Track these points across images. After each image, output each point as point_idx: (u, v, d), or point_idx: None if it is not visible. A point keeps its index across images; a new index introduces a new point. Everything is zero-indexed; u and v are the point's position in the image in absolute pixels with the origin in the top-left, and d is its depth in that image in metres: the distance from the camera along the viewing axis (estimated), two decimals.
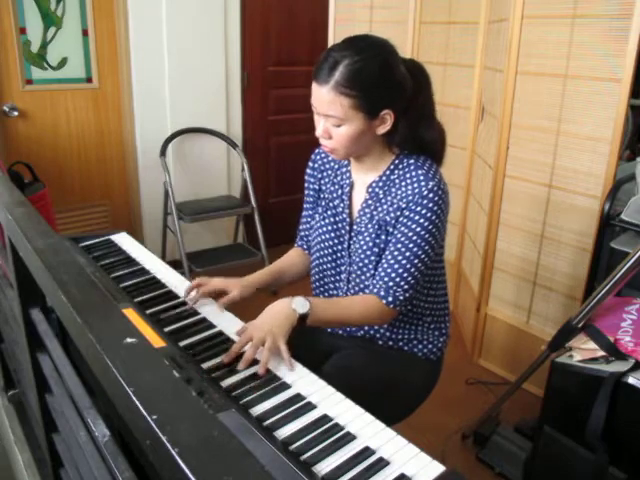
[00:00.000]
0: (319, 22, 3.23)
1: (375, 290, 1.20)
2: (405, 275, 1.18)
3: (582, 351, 1.49)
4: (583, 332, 1.53)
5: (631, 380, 1.36)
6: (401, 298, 1.19)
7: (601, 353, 1.44)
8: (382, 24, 2.73)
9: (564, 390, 1.50)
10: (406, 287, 1.18)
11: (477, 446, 1.93)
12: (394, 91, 1.13)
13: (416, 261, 1.18)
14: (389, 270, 1.19)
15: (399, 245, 1.18)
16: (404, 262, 1.18)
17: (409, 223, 1.17)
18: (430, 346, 1.34)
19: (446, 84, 2.68)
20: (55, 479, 1.11)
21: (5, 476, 1.52)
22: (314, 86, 1.13)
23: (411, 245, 1.17)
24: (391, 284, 1.18)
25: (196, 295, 1.23)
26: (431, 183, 1.16)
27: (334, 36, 2.78)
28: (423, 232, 1.17)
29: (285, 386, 0.95)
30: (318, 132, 1.16)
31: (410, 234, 1.17)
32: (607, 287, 1.50)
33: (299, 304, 1.09)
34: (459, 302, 2.84)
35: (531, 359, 1.80)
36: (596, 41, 1.83)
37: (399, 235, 1.18)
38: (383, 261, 1.21)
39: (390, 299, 1.18)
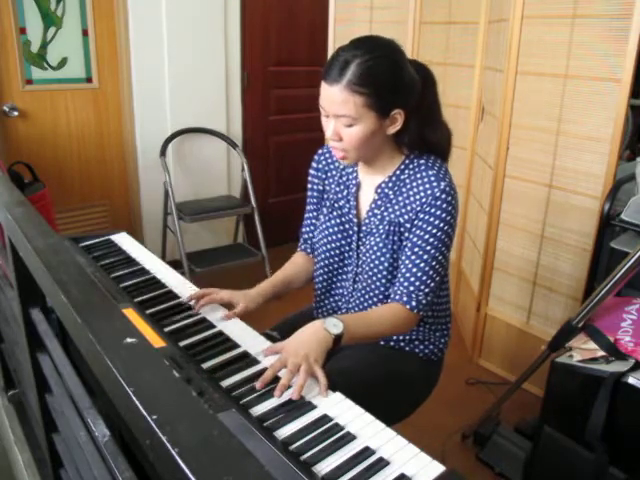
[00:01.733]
0: (319, 22, 3.23)
1: (397, 297, 1.19)
2: (424, 278, 1.17)
3: (582, 351, 1.49)
4: (583, 332, 1.53)
5: (631, 380, 1.36)
6: (424, 302, 1.18)
7: (601, 353, 1.44)
8: (382, 24, 2.73)
9: (564, 390, 1.50)
10: (427, 290, 1.18)
11: (477, 446, 1.93)
12: (404, 90, 1.13)
13: (434, 263, 1.18)
14: (408, 275, 1.18)
15: (416, 249, 1.18)
16: (422, 265, 1.17)
17: (424, 226, 1.17)
18: (431, 347, 1.34)
19: (446, 84, 2.67)
20: (55, 479, 1.11)
21: (5, 476, 1.52)
22: (324, 87, 1.12)
23: (428, 247, 1.17)
24: (412, 289, 1.18)
25: (200, 304, 1.21)
26: (443, 183, 1.16)
27: (334, 36, 2.78)
28: (439, 233, 1.16)
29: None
30: (328, 134, 1.15)
31: (426, 236, 1.17)
32: (607, 287, 1.50)
33: (332, 325, 1.05)
34: (459, 302, 2.84)
35: (531, 359, 1.80)
36: (596, 41, 1.83)
37: (415, 239, 1.18)
38: (401, 266, 1.20)
39: (413, 304, 1.17)
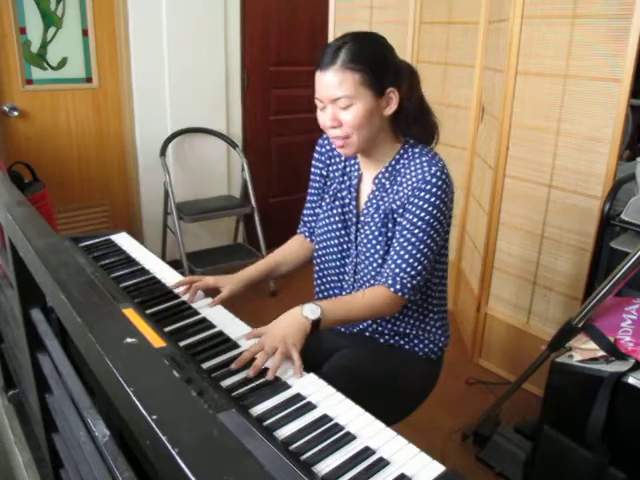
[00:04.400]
0: (319, 22, 3.23)
1: (383, 280, 1.20)
2: (411, 261, 1.18)
3: (582, 351, 1.49)
4: (583, 332, 1.53)
5: (631, 380, 1.36)
6: (409, 285, 1.19)
7: (601, 353, 1.44)
8: (382, 24, 2.73)
9: (564, 390, 1.50)
10: (413, 273, 1.19)
11: (477, 446, 1.93)
12: (395, 70, 1.18)
13: (422, 247, 1.18)
14: (395, 257, 1.19)
15: (405, 232, 1.19)
16: (410, 248, 1.18)
17: (414, 209, 1.18)
18: (431, 345, 1.34)
19: (446, 84, 2.68)
20: (55, 479, 1.11)
21: (5, 476, 1.52)
22: (318, 76, 1.15)
23: (417, 231, 1.18)
24: (397, 271, 1.19)
25: (190, 292, 1.25)
26: (434, 169, 1.17)
27: (334, 36, 2.78)
28: (428, 217, 1.17)
29: (285, 386, 0.95)
30: (327, 122, 1.16)
31: (415, 220, 1.18)
32: (607, 287, 1.50)
33: (309, 311, 1.09)
34: (459, 302, 2.84)
35: (531, 359, 1.80)
36: (596, 41, 1.83)
37: (405, 222, 1.19)
38: (390, 250, 1.22)
39: (398, 287, 1.18)
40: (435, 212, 1.17)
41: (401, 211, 1.21)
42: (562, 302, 2.11)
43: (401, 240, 1.19)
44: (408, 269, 1.18)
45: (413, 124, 1.24)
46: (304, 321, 1.07)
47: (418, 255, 1.18)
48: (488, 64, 2.42)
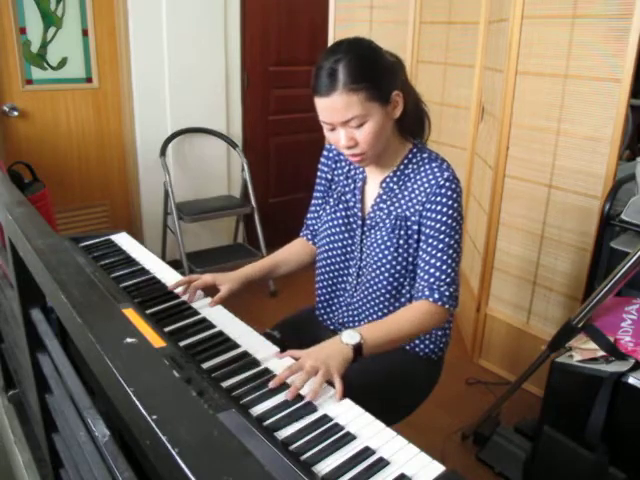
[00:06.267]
0: (319, 22, 3.23)
1: (420, 294, 1.19)
2: (444, 268, 1.18)
3: (582, 351, 1.49)
4: (583, 332, 1.53)
5: (631, 380, 1.36)
6: (447, 293, 1.18)
7: (601, 353, 1.44)
8: (382, 24, 2.73)
9: (564, 390, 1.50)
10: (448, 280, 1.18)
11: (477, 446, 1.92)
12: (392, 72, 1.17)
13: (451, 252, 1.18)
14: (427, 268, 1.19)
15: (430, 240, 1.19)
16: (440, 255, 1.18)
17: (434, 216, 1.18)
18: (432, 346, 1.34)
19: (446, 84, 2.68)
20: (55, 479, 1.11)
21: (5, 476, 1.52)
22: (319, 102, 1.12)
23: (442, 237, 1.18)
24: (432, 280, 1.18)
25: (190, 291, 1.25)
26: (446, 173, 1.18)
27: (334, 36, 2.78)
28: (450, 221, 1.18)
29: (285, 386, 0.95)
30: (342, 143, 1.14)
31: (438, 226, 1.18)
32: (607, 287, 1.50)
33: (348, 337, 1.05)
34: (459, 302, 2.83)
35: (531, 359, 1.80)
36: (596, 41, 1.83)
37: (428, 231, 1.19)
38: (419, 262, 1.21)
39: (436, 296, 1.17)
40: (455, 215, 1.18)
41: (415, 219, 1.20)
42: (562, 302, 2.11)
43: (429, 249, 1.19)
44: (442, 276, 1.18)
45: (413, 117, 1.24)
46: (345, 347, 1.03)
47: (449, 261, 1.18)
48: (488, 64, 2.42)
